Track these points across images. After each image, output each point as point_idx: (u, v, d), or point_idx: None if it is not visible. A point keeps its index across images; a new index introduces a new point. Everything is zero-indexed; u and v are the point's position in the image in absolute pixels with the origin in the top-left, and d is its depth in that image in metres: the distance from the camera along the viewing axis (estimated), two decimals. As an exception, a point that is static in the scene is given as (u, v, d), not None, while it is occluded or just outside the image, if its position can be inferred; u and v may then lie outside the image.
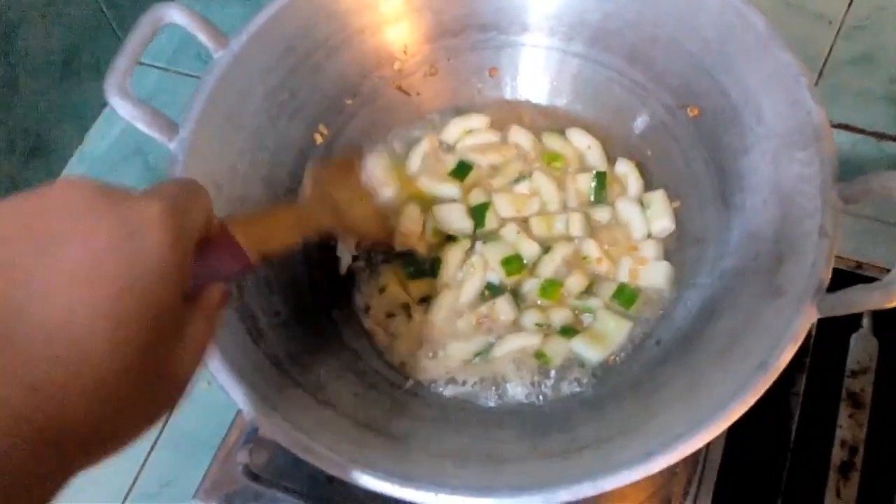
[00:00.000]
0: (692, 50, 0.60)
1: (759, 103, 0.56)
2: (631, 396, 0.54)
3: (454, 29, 0.66)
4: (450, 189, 0.65)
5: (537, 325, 0.60)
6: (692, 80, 0.61)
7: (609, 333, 0.58)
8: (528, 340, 0.59)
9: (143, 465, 0.79)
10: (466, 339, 0.59)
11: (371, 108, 0.66)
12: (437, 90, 0.68)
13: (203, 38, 0.57)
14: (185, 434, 0.79)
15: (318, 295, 0.59)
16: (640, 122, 0.65)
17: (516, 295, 0.61)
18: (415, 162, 0.66)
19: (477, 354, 0.59)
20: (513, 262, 0.62)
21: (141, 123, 0.54)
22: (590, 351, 0.58)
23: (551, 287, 0.60)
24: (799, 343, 0.47)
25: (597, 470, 0.45)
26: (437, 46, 0.67)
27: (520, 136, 0.68)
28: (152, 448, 0.79)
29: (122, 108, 0.53)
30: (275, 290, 0.56)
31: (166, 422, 0.80)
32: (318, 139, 0.63)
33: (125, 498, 0.79)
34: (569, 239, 0.63)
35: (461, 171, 0.66)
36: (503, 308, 0.60)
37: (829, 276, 0.48)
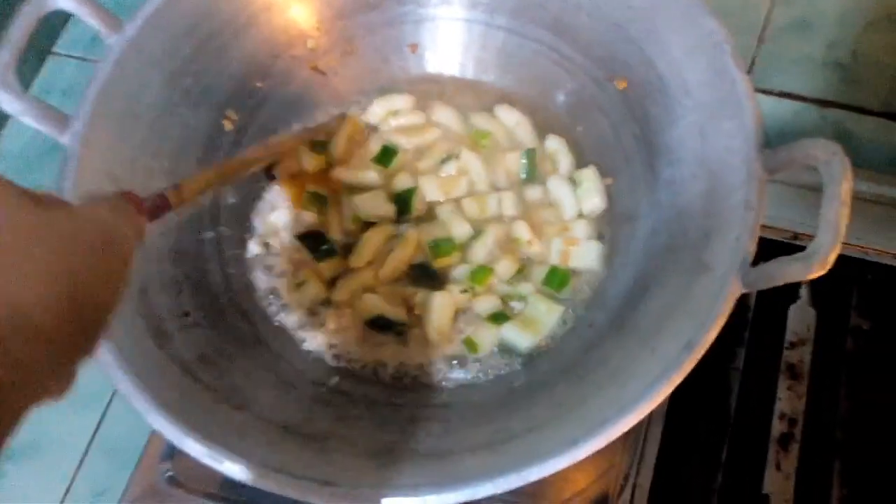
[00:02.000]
0: (617, 19, 0.58)
1: (684, 73, 0.55)
2: (562, 382, 0.52)
3: (370, 2, 0.63)
4: (370, 175, 0.62)
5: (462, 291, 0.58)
6: (619, 51, 0.59)
7: (540, 318, 0.57)
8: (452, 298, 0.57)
9: (76, 474, 0.76)
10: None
11: (285, 91, 0.63)
12: (355, 69, 0.65)
13: (94, 23, 0.53)
14: (116, 440, 0.76)
15: (232, 292, 0.57)
16: (565, 96, 0.63)
17: (445, 280, 0.59)
18: (338, 146, 0.63)
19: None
20: (442, 246, 0.59)
21: (28, 118, 0.50)
22: (520, 337, 0.56)
23: (482, 273, 0.58)
24: (724, 319, 0.46)
25: (523, 460, 0.44)
26: (353, 22, 0.63)
27: (443, 115, 0.65)
28: (84, 457, 0.76)
29: (5, 102, 0.50)
30: (184, 289, 0.53)
31: (97, 428, 0.77)
32: (228, 125, 0.60)
33: (58, 507, 0.76)
34: (500, 220, 0.61)
35: (385, 156, 0.63)
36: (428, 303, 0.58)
37: (754, 249, 0.47)
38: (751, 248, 0.47)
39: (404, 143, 0.64)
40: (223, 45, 0.58)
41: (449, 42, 0.66)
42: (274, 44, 0.61)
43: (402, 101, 0.65)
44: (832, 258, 0.44)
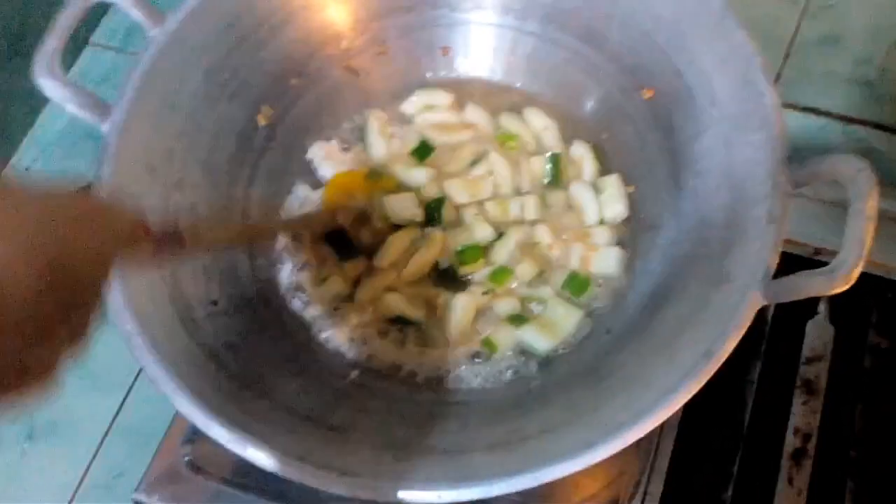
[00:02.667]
0: (647, 29, 0.58)
1: (712, 84, 0.55)
2: (579, 386, 0.53)
3: (404, 5, 0.64)
4: (418, 174, 0.63)
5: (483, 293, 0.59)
6: (647, 61, 0.59)
7: (559, 322, 0.57)
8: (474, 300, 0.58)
9: (95, 455, 0.78)
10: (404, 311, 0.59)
11: (318, 89, 0.64)
12: (387, 70, 0.66)
13: (138, 15, 0.54)
14: (136, 424, 0.78)
15: (259, 283, 0.58)
16: (592, 103, 0.64)
17: (467, 282, 0.60)
18: (377, 146, 0.64)
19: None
20: (469, 253, 0.60)
21: (71, 105, 0.52)
22: (539, 340, 0.57)
23: (502, 274, 0.59)
24: (743, 330, 0.46)
25: (537, 461, 0.45)
26: (387, 24, 0.64)
27: (475, 114, 0.66)
28: (104, 438, 0.78)
29: (49, 89, 0.51)
30: (213, 277, 0.54)
31: (118, 411, 0.79)
32: (262, 121, 0.61)
33: (77, 489, 0.77)
34: (522, 223, 0.62)
35: (423, 151, 0.64)
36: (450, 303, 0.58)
37: (776, 262, 0.48)
38: (773, 260, 0.47)
39: (437, 138, 0.65)
40: (261, 41, 0.60)
41: (480, 46, 0.66)
42: (309, 42, 0.62)
43: (441, 98, 0.67)
44: (856, 274, 0.44)
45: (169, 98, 0.55)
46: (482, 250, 0.60)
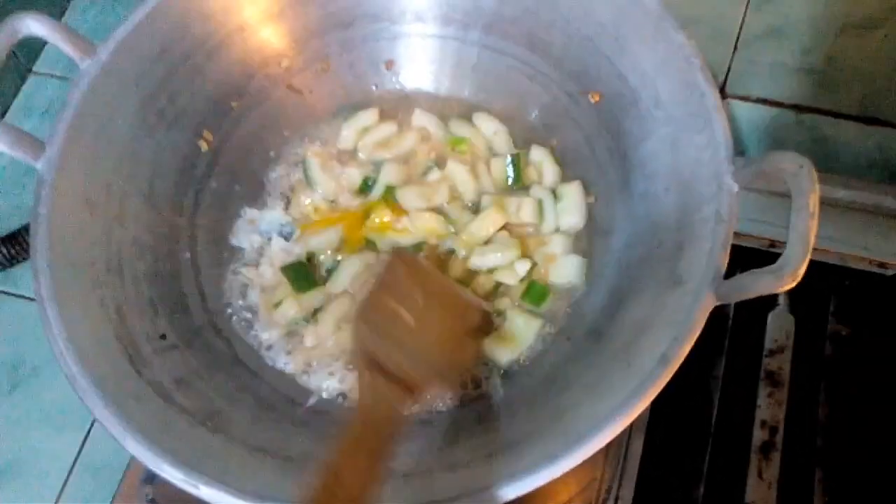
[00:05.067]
0: (588, 34, 0.58)
1: (656, 87, 0.55)
2: (541, 398, 0.53)
3: (343, 21, 0.63)
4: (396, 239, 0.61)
5: None
6: (591, 66, 0.59)
7: (519, 333, 0.57)
8: None
9: (60, 495, 0.76)
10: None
11: (260, 110, 0.63)
12: (330, 87, 0.65)
13: (67, 48, 0.53)
14: (100, 461, 0.76)
15: (210, 313, 0.57)
16: (539, 110, 0.64)
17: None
18: (324, 184, 0.63)
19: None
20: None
21: (1, 145, 0.50)
22: (499, 351, 0.56)
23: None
24: (697, 333, 0.46)
25: (501, 478, 0.44)
26: (327, 40, 0.64)
27: (424, 119, 0.65)
28: (68, 477, 0.76)
29: (-24, 130, 0.50)
30: (160, 311, 0.53)
31: (81, 449, 0.77)
32: (204, 146, 0.60)
33: (43, 529, 0.76)
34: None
35: (367, 186, 0.63)
36: None
37: (726, 262, 0.48)
38: (723, 260, 0.47)
39: (386, 155, 0.64)
40: (197, 66, 0.59)
41: (424, 58, 0.66)
42: (248, 64, 0.61)
43: (368, 117, 0.65)
44: (802, 270, 0.44)
45: (104, 131, 0.54)
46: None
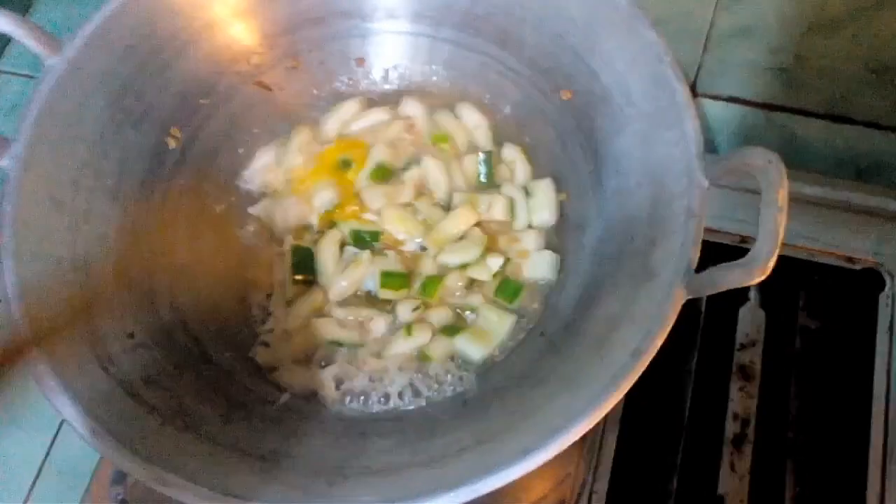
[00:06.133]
0: (560, 32, 0.58)
1: (627, 84, 0.55)
2: (515, 392, 0.52)
3: (314, 17, 0.63)
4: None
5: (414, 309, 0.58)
6: (563, 63, 0.59)
7: (492, 329, 0.57)
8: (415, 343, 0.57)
9: (28, 495, 0.75)
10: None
11: (229, 107, 0.62)
12: (301, 84, 0.64)
13: (32, 44, 0.52)
14: (69, 463, 0.74)
15: (178, 311, 0.56)
16: (511, 107, 0.64)
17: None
18: (295, 158, 0.63)
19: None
20: (393, 278, 0.58)
21: (-36, 142, 0.49)
22: (472, 348, 0.56)
23: (431, 284, 0.58)
24: (669, 326, 0.47)
25: (475, 473, 0.44)
26: (298, 37, 0.63)
27: (412, 108, 0.65)
28: (35, 480, 0.74)
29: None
30: (128, 309, 0.52)
31: (49, 451, 0.76)
32: (171, 143, 0.59)
33: (10, 535, 0.74)
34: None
35: (346, 166, 0.63)
36: (378, 326, 0.57)
37: (697, 256, 0.48)
38: (694, 255, 0.48)
39: (370, 140, 0.64)
40: (165, 63, 0.58)
41: (395, 55, 0.66)
42: (217, 61, 0.61)
43: (351, 108, 0.65)
44: (771, 264, 0.45)
45: (71, 127, 0.53)
46: (406, 280, 0.59)
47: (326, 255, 0.60)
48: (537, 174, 0.63)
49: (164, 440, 0.46)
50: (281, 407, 0.53)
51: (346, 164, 0.63)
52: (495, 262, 0.58)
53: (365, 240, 0.60)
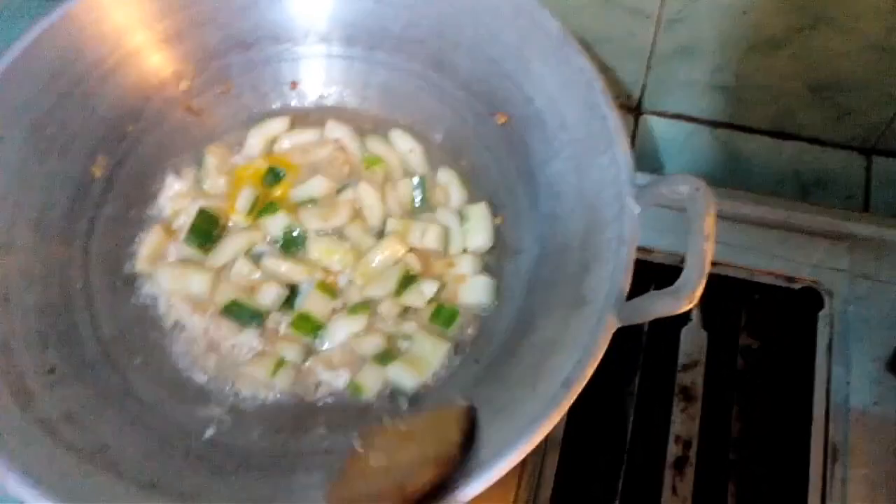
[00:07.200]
0: (494, 56, 0.58)
1: (560, 109, 0.55)
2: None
3: (245, 41, 0.62)
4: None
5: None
6: (497, 87, 0.59)
7: (426, 356, 0.56)
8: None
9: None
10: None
11: (157, 133, 0.61)
12: (232, 108, 0.64)
13: (-52, 73, 0.51)
14: None
15: (103, 344, 0.54)
16: (447, 131, 0.64)
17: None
18: (215, 184, 0.62)
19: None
20: (304, 323, 0.57)
21: None
22: (406, 377, 0.55)
23: (360, 309, 0.57)
24: (600, 356, 0.46)
25: (402, 509, 0.44)
26: (228, 62, 0.62)
27: (338, 131, 0.64)
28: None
29: None
30: (49, 343, 0.51)
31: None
32: (97, 172, 0.58)
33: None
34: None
35: (274, 178, 0.62)
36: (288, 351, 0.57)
37: (629, 283, 0.48)
38: (625, 282, 0.48)
39: (300, 160, 0.63)
40: (90, 91, 0.57)
41: (330, 79, 0.65)
42: (145, 87, 0.60)
43: (279, 125, 0.64)
44: (699, 292, 0.45)
45: (-10, 158, 0.51)
46: (317, 324, 0.57)
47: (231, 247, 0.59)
48: (473, 198, 0.62)
49: (81, 480, 0.45)
50: (206, 442, 0.52)
51: (274, 177, 0.62)
52: (430, 288, 0.58)
53: (295, 244, 0.60)
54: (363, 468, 0.48)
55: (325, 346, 0.57)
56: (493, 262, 0.60)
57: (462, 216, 0.61)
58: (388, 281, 0.58)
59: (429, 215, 0.62)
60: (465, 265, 0.59)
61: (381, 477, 0.47)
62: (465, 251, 0.60)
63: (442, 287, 0.59)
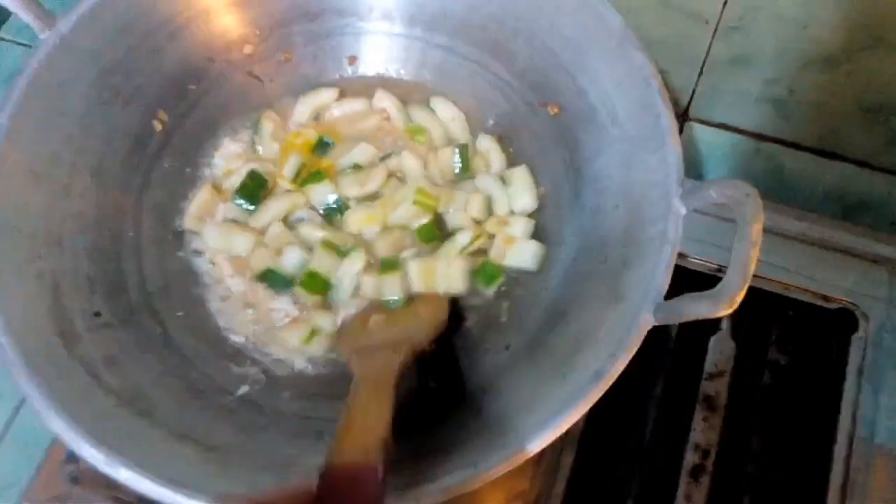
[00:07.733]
0: (552, 47, 0.59)
1: (614, 104, 0.55)
2: (471, 406, 0.53)
3: (310, 13, 0.63)
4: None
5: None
6: (552, 78, 0.59)
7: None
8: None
9: (-12, 465, 0.74)
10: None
11: (217, 94, 0.62)
12: (291, 77, 0.64)
13: (27, 17, 0.52)
14: (32, 432, 0.74)
15: (146, 294, 0.56)
16: (498, 118, 0.64)
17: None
18: (269, 148, 0.63)
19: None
20: (315, 280, 0.59)
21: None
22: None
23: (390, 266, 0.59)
24: (633, 352, 0.47)
25: (422, 481, 0.44)
26: (293, 31, 0.63)
27: (385, 101, 0.65)
28: (-4, 446, 0.74)
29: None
30: (97, 288, 0.52)
31: (13, 418, 0.75)
32: (157, 126, 0.59)
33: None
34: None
35: (323, 148, 0.64)
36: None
37: (668, 283, 0.48)
38: (664, 281, 0.48)
39: (347, 130, 0.64)
40: (158, 45, 0.58)
41: (387, 56, 0.66)
42: (210, 47, 0.61)
43: (328, 95, 0.65)
44: (739, 298, 0.45)
45: (57, 102, 0.53)
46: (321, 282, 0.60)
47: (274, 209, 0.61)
48: (514, 163, 0.63)
49: (118, 423, 0.46)
50: (238, 399, 0.53)
51: (324, 147, 0.64)
52: (464, 237, 0.60)
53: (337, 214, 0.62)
54: (369, 325, 0.56)
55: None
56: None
57: (504, 180, 0.62)
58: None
59: (470, 183, 0.63)
60: (519, 227, 0.60)
61: (388, 332, 0.55)
62: (512, 213, 0.61)
63: (491, 244, 0.60)
